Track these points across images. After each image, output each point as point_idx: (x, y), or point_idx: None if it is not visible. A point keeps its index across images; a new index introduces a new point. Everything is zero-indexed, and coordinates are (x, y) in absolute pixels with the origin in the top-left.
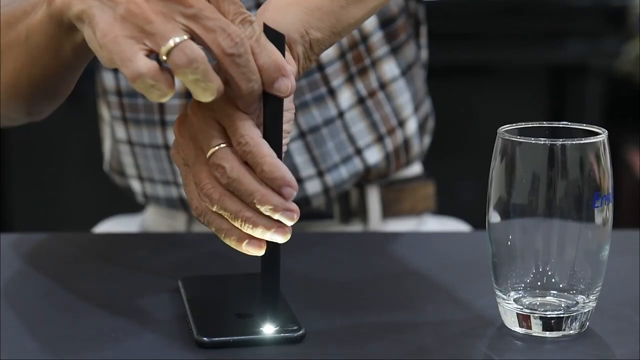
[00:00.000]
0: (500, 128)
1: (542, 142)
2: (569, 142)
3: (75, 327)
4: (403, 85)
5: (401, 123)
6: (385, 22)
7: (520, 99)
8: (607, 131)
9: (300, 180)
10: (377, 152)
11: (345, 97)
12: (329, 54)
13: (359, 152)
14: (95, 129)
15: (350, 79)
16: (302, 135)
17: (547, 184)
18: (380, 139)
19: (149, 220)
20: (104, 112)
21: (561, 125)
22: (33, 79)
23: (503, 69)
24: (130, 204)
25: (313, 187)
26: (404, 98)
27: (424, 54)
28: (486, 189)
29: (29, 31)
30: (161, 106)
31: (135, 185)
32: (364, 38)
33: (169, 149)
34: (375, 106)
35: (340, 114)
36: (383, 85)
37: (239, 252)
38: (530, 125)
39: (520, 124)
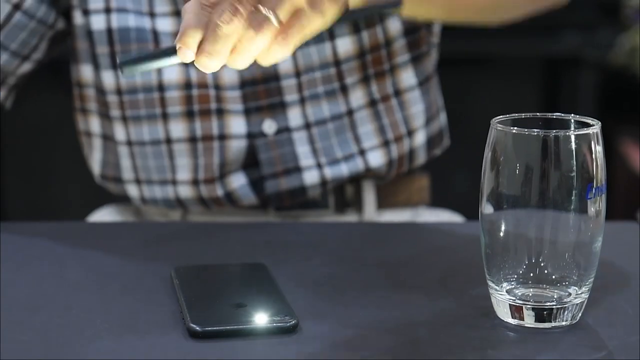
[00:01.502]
0: (494, 119)
1: (536, 133)
2: (562, 133)
3: (68, 317)
4: (418, 95)
5: (410, 133)
6: (409, 31)
7: (515, 90)
8: (600, 122)
9: (299, 169)
10: (381, 157)
11: (357, 96)
12: (347, 50)
13: (362, 152)
14: None
15: (365, 80)
16: (307, 126)
17: (540, 175)
18: (386, 144)
19: (144, 209)
20: (92, 126)
21: (554, 117)
22: None
23: (497, 61)
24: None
25: (311, 177)
26: (417, 108)
27: (434, 54)
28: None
29: None
30: (162, 99)
31: (132, 191)
32: (388, 42)
33: (170, 143)
34: (386, 111)
35: (350, 112)
36: (398, 92)
37: (233, 242)
38: (523, 116)
39: (513, 115)
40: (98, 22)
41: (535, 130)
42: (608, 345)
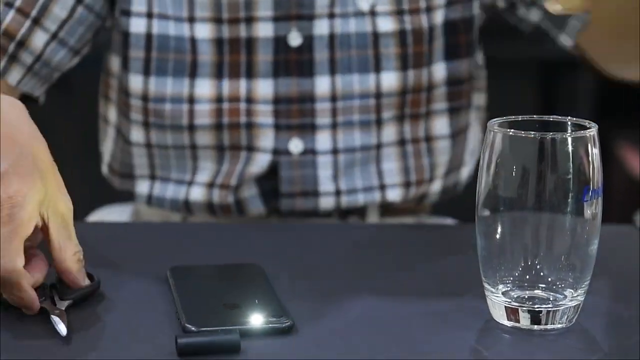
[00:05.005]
0: (491, 121)
1: (532, 136)
2: (559, 136)
3: None
4: (448, 146)
5: (431, 179)
6: (453, 81)
7: (512, 92)
8: (597, 125)
9: (316, 194)
10: (399, 195)
11: (389, 132)
12: (391, 85)
13: (382, 187)
14: (88, 119)
15: (400, 118)
16: (334, 151)
17: (537, 178)
18: (407, 185)
19: (143, 210)
20: (110, 114)
21: (551, 119)
22: None
23: (494, 62)
24: (124, 194)
25: (327, 203)
26: (443, 159)
27: (482, 100)
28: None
29: None
30: (191, 111)
31: (142, 187)
32: (430, 87)
33: (195, 149)
34: (414, 154)
35: (378, 146)
36: (429, 138)
37: (229, 242)
38: (520, 119)
39: (510, 117)
40: (137, 26)
41: (532, 132)
42: (603, 348)
